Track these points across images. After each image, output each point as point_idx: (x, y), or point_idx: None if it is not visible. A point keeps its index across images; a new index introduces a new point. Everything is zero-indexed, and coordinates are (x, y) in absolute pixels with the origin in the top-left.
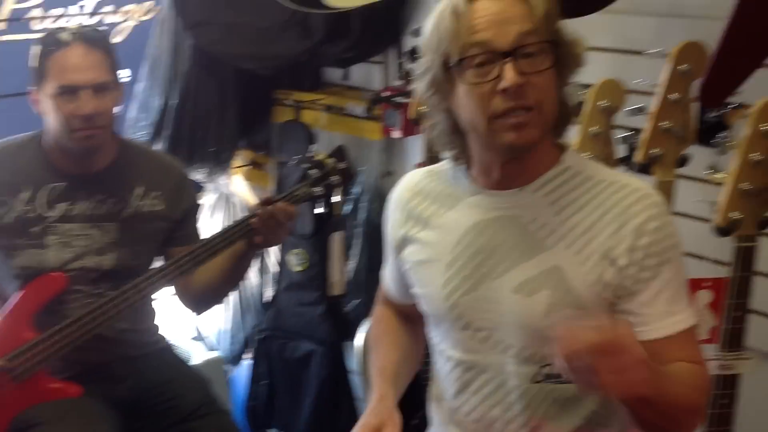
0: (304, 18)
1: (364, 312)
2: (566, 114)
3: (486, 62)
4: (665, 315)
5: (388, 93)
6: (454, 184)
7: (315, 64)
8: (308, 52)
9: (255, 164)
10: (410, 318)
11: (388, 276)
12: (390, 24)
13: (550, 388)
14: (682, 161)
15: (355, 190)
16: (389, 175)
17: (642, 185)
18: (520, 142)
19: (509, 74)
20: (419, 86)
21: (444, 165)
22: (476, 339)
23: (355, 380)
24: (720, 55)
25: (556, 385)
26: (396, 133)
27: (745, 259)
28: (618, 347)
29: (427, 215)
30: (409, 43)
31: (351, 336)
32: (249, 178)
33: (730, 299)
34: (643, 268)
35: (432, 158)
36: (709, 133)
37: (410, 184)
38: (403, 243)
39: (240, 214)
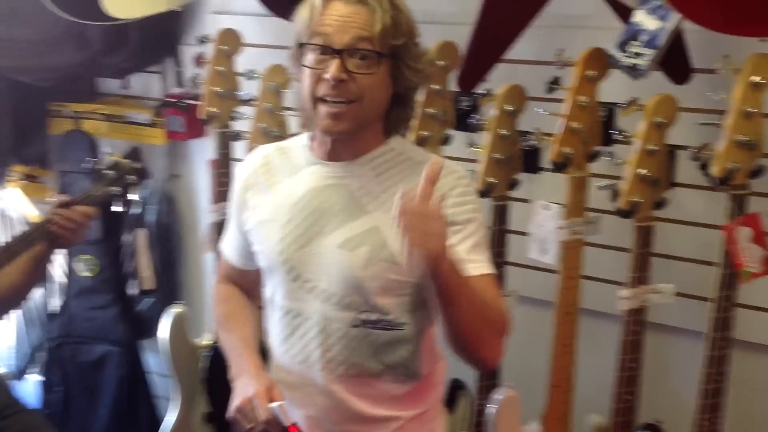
0: (81, 30)
1: (158, 311)
2: (402, 114)
3: (323, 53)
4: (465, 261)
5: (173, 99)
6: (296, 156)
7: (91, 75)
8: (86, 63)
9: (30, 177)
10: (250, 294)
11: (228, 244)
12: (167, 34)
13: (366, 332)
14: (446, 140)
15: (143, 194)
16: (175, 178)
17: (451, 163)
18: (334, 129)
19: (332, 69)
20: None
21: (290, 142)
22: (304, 289)
23: (155, 379)
24: (470, 51)
25: (372, 330)
26: (180, 137)
27: (499, 214)
28: (431, 214)
29: (270, 183)
30: (194, 50)
31: (146, 335)
32: (26, 192)
33: (491, 248)
34: (449, 224)
35: (223, 155)
36: (465, 116)
37: (258, 156)
38: (245, 206)
39: (18, 228)
